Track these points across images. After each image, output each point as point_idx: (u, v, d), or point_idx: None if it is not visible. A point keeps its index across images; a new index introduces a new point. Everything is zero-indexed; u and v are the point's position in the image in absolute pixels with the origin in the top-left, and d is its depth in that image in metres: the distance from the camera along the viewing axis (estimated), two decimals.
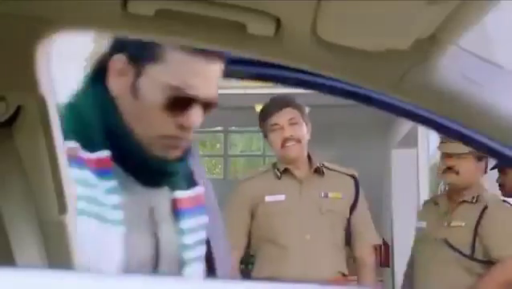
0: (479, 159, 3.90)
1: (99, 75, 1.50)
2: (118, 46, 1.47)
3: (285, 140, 3.55)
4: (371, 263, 3.69)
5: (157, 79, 1.44)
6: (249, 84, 5.34)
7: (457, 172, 3.89)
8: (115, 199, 1.42)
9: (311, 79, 1.43)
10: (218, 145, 10.92)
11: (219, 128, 9.70)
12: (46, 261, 0.99)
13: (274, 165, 3.68)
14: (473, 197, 3.87)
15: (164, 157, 1.48)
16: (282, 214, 3.54)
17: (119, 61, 1.46)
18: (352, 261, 3.68)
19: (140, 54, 1.44)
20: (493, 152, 1.03)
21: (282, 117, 3.55)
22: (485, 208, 3.83)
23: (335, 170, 3.69)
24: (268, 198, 3.59)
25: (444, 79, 0.94)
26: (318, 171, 3.62)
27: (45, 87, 0.97)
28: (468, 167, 3.90)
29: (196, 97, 1.44)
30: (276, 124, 3.56)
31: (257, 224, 3.62)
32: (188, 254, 1.55)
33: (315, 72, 0.96)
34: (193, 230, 1.57)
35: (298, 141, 3.55)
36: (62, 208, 0.99)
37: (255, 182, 3.67)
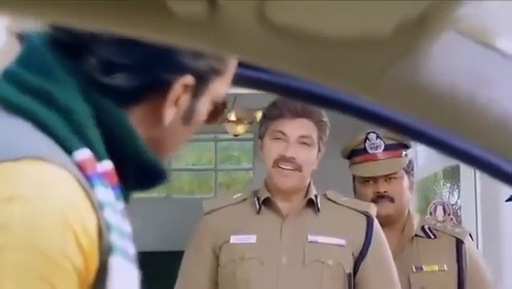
0: (407, 173, 3.18)
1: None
2: (175, 66, 1.16)
3: (281, 159, 2.63)
4: None
5: (216, 94, 1.22)
6: None
7: (392, 199, 3.11)
8: (128, 227, 1.11)
9: (269, 78, 1.20)
10: None
11: None
12: None
13: (256, 193, 2.74)
14: (425, 230, 3.13)
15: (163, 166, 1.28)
16: (249, 263, 2.60)
17: (182, 85, 1.17)
18: None
19: (209, 71, 1.18)
20: (500, 174, 0.80)
21: (293, 128, 2.61)
22: (461, 243, 3.11)
23: (339, 204, 2.72)
24: (233, 239, 2.65)
25: (437, 77, 0.70)
26: (312, 204, 2.67)
27: None
28: (401, 189, 3.16)
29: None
30: (280, 132, 2.61)
31: (220, 273, 2.69)
32: None
33: (266, 68, 0.72)
34: None
35: (298, 169, 2.62)
36: None
37: (222, 215, 2.72)
